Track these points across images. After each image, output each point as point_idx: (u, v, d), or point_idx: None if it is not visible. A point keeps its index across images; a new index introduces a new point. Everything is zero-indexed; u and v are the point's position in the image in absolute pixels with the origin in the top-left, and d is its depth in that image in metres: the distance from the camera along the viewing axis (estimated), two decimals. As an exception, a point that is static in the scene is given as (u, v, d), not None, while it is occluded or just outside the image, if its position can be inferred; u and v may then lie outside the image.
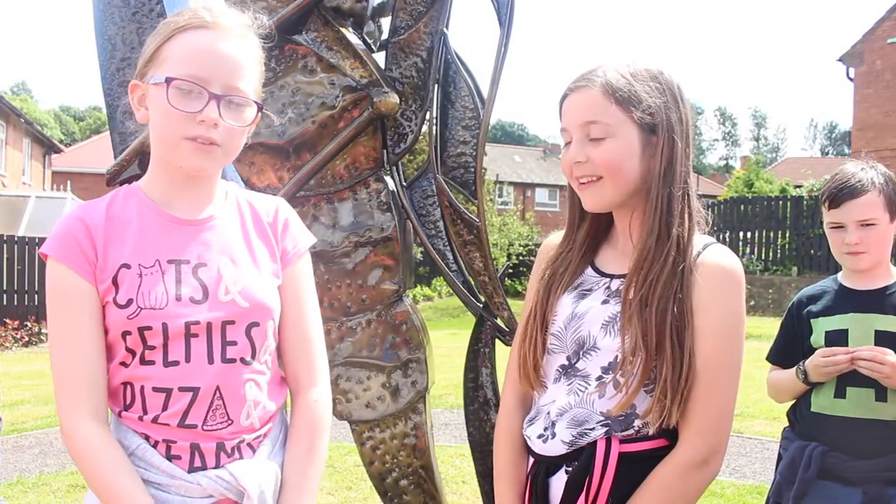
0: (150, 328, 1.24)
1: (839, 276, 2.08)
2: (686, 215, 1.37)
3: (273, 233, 1.40)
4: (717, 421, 1.33)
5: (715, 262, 1.35)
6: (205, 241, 1.32)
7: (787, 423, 2.14)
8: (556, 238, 1.55)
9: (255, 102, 1.31)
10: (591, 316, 1.38)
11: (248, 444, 1.31)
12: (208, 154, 1.26)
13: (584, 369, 1.38)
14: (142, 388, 1.26)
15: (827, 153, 68.51)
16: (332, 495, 4.13)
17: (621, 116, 1.34)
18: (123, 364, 1.27)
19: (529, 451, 1.46)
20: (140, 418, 1.27)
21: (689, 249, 1.35)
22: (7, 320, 10.80)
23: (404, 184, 2.35)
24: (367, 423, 2.25)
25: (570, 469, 1.37)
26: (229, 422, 1.28)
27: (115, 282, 1.25)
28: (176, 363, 1.25)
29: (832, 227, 2.00)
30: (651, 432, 1.35)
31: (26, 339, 10.73)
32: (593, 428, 1.36)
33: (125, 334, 1.25)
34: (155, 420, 1.26)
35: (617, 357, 1.34)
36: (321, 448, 1.37)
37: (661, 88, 1.37)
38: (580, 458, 1.35)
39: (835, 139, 73.24)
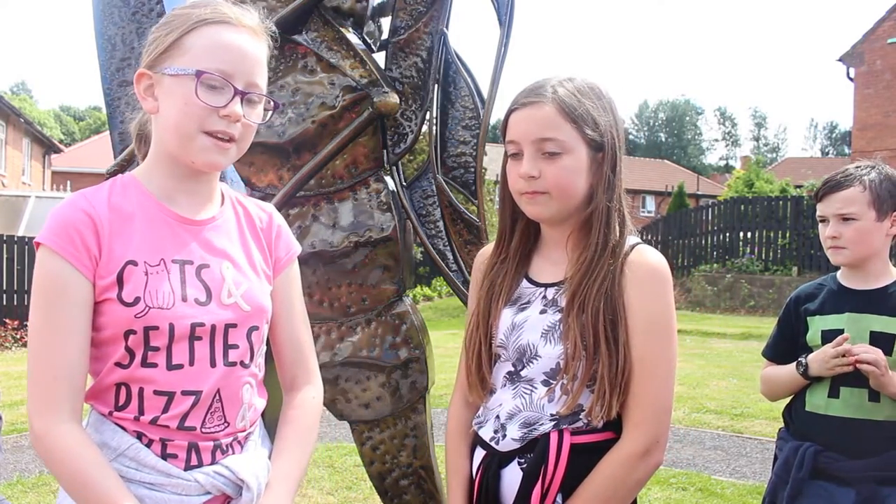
0: (156, 328, 1.21)
1: (838, 274, 2.08)
2: (622, 226, 1.44)
3: (266, 239, 1.41)
4: (655, 413, 1.38)
5: (640, 260, 1.41)
6: (206, 241, 1.30)
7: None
8: (489, 249, 1.59)
9: (274, 101, 1.33)
10: (530, 325, 1.44)
11: (238, 441, 1.33)
12: (225, 151, 1.26)
13: (527, 376, 1.44)
14: (140, 389, 1.23)
15: (827, 153, 68.51)
16: (331, 495, 4.12)
17: (574, 134, 1.39)
18: (119, 365, 1.22)
19: (481, 444, 1.51)
20: (136, 419, 1.23)
21: (620, 253, 1.41)
22: (7, 320, 10.78)
23: (404, 184, 2.35)
24: (367, 423, 2.25)
25: (522, 461, 1.42)
26: (226, 424, 1.29)
27: (119, 278, 1.21)
28: (180, 366, 1.23)
29: (820, 221, 2.04)
30: (599, 425, 1.40)
31: (26, 339, 10.71)
32: (543, 424, 1.41)
33: (128, 333, 1.21)
34: (153, 422, 1.23)
35: (559, 363, 1.40)
36: (313, 441, 1.41)
37: (605, 106, 1.43)
38: (534, 450, 1.40)
39: (835, 139, 73.19)
